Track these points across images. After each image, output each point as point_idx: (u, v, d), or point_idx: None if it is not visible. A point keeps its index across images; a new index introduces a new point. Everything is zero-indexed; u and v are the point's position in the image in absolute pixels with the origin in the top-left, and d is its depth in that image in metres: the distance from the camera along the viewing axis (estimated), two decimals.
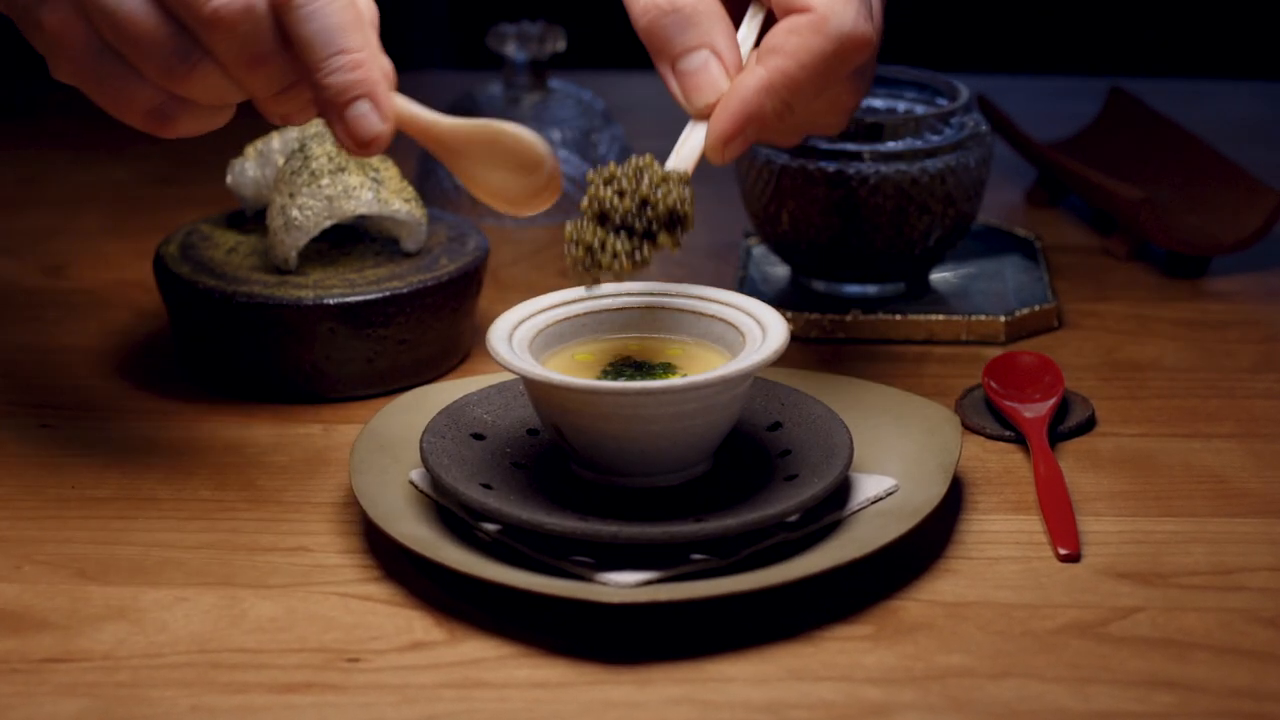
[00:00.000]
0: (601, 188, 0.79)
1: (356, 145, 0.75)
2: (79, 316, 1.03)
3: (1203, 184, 1.13)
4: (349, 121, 0.74)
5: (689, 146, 0.81)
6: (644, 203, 0.79)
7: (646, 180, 0.79)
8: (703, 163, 0.81)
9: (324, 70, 0.74)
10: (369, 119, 0.74)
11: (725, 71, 0.80)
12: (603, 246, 0.79)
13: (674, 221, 0.79)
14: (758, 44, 0.82)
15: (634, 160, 0.79)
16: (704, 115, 0.81)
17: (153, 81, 0.75)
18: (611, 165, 0.80)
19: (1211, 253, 1.07)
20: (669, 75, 0.81)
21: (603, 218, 0.79)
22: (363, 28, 0.74)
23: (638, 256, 0.79)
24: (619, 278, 0.80)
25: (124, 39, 0.74)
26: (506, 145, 0.76)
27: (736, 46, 0.81)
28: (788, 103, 0.80)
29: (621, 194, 0.79)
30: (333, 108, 0.74)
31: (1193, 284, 1.07)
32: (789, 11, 0.80)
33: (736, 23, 0.83)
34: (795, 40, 0.79)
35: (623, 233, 0.79)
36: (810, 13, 0.80)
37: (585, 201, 0.80)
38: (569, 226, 0.80)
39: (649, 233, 0.79)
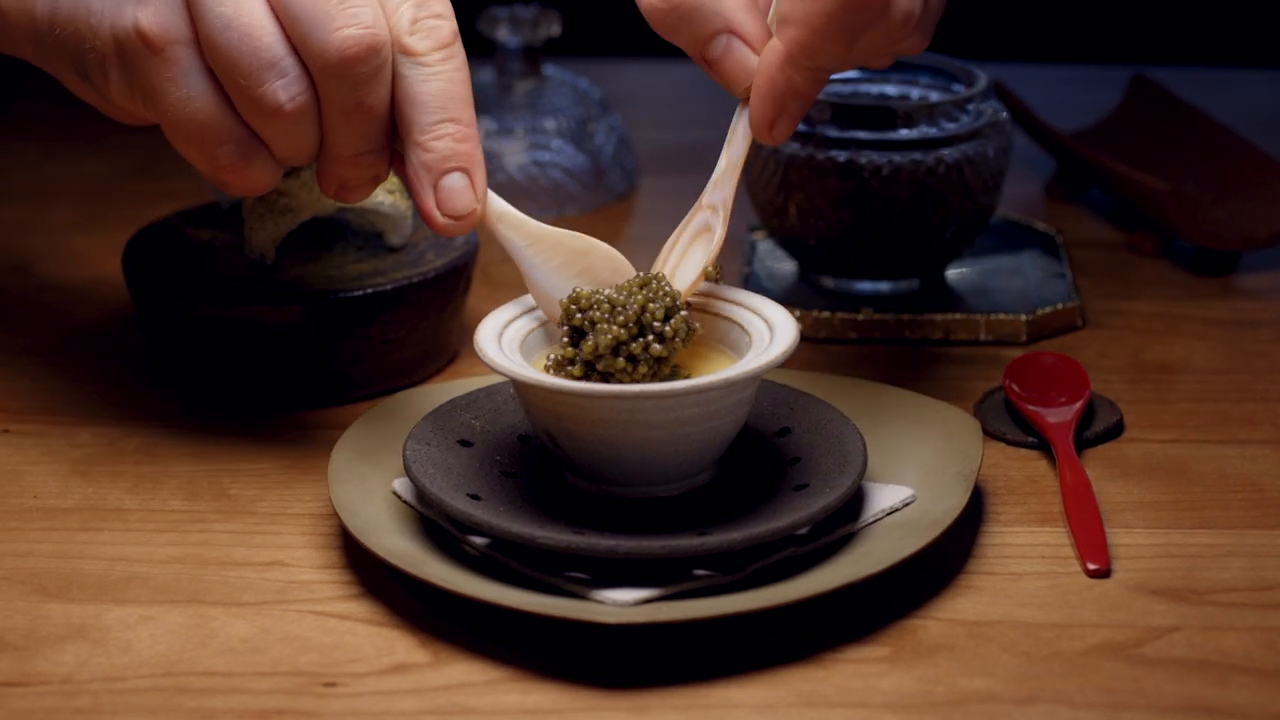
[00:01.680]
0: (594, 340, 0.75)
1: (444, 218, 0.76)
2: (45, 316, 1.02)
3: (1232, 175, 1.12)
4: (441, 191, 0.76)
5: (738, 138, 0.80)
6: (647, 350, 0.76)
7: (641, 330, 0.75)
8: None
9: (431, 134, 0.75)
10: (464, 194, 0.76)
11: (751, 48, 0.79)
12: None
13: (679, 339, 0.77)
14: None
15: (624, 290, 0.75)
16: (749, 97, 0.80)
17: (242, 105, 0.75)
18: (594, 306, 0.75)
19: (1242, 248, 1.06)
20: (703, 66, 0.80)
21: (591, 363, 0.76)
22: (472, 104, 0.77)
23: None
24: None
25: (231, 47, 0.74)
26: (598, 260, 0.78)
27: (758, 15, 0.79)
28: (818, 67, 0.78)
29: (616, 350, 0.75)
30: (428, 173, 0.76)
31: (1223, 281, 1.06)
32: None
33: None
34: (804, 6, 0.77)
35: (614, 379, 0.76)
36: None
37: (566, 333, 0.76)
38: (550, 359, 0.77)
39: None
